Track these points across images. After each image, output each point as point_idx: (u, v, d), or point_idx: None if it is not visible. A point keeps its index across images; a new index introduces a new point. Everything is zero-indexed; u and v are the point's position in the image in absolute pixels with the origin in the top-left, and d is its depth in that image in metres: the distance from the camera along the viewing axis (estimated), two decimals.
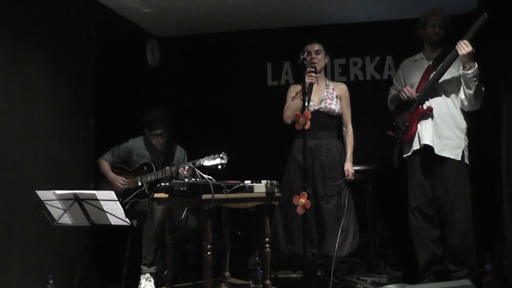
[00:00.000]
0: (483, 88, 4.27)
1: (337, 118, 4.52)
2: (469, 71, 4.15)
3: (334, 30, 5.83)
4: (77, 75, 4.71)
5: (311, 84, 4.18)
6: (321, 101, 4.45)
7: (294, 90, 4.58)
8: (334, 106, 4.46)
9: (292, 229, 4.39)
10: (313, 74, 4.20)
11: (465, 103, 4.32)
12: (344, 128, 4.56)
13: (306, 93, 3.89)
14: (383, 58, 5.86)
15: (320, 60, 4.50)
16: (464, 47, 4.09)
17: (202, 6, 5.22)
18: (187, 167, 4.31)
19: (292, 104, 4.44)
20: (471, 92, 4.22)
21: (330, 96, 4.49)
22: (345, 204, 4.36)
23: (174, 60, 6.32)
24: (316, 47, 4.50)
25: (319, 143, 4.41)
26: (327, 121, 4.46)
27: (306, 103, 3.84)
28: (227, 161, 4.42)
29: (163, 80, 6.24)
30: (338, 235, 4.28)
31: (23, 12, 4.11)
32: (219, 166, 4.42)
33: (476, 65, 4.15)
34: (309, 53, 4.45)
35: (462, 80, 4.27)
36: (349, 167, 4.43)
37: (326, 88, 4.54)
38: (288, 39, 5.81)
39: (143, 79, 5.91)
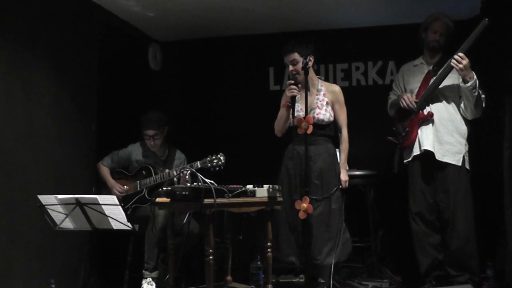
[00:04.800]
0: (483, 96, 4.26)
1: (328, 125, 4.32)
2: (468, 84, 4.12)
3: (337, 35, 5.83)
4: (79, 79, 4.70)
5: (294, 97, 4.08)
6: (310, 110, 4.20)
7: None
8: (323, 115, 4.24)
9: (278, 235, 4.24)
10: (293, 87, 4.09)
11: (467, 113, 4.32)
12: (339, 133, 4.37)
13: (289, 107, 3.93)
14: (385, 63, 5.85)
15: (299, 68, 4.17)
16: (459, 62, 4.06)
17: (204, 10, 5.22)
18: (188, 172, 4.28)
19: (278, 119, 4.37)
20: (471, 103, 4.21)
21: (319, 105, 4.27)
22: (336, 211, 4.20)
23: (176, 64, 6.32)
24: (291, 57, 4.20)
25: (310, 148, 4.11)
26: (318, 129, 4.23)
27: (291, 116, 3.92)
28: (225, 162, 4.43)
29: (165, 84, 6.24)
30: (326, 242, 4.16)
31: (25, 15, 4.12)
32: (217, 168, 4.43)
33: (475, 76, 4.13)
34: (287, 65, 4.25)
35: (461, 91, 4.26)
36: (342, 176, 4.27)
37: (317, 94, 4.31)
38: None
39: (145, 83, 5.91)
